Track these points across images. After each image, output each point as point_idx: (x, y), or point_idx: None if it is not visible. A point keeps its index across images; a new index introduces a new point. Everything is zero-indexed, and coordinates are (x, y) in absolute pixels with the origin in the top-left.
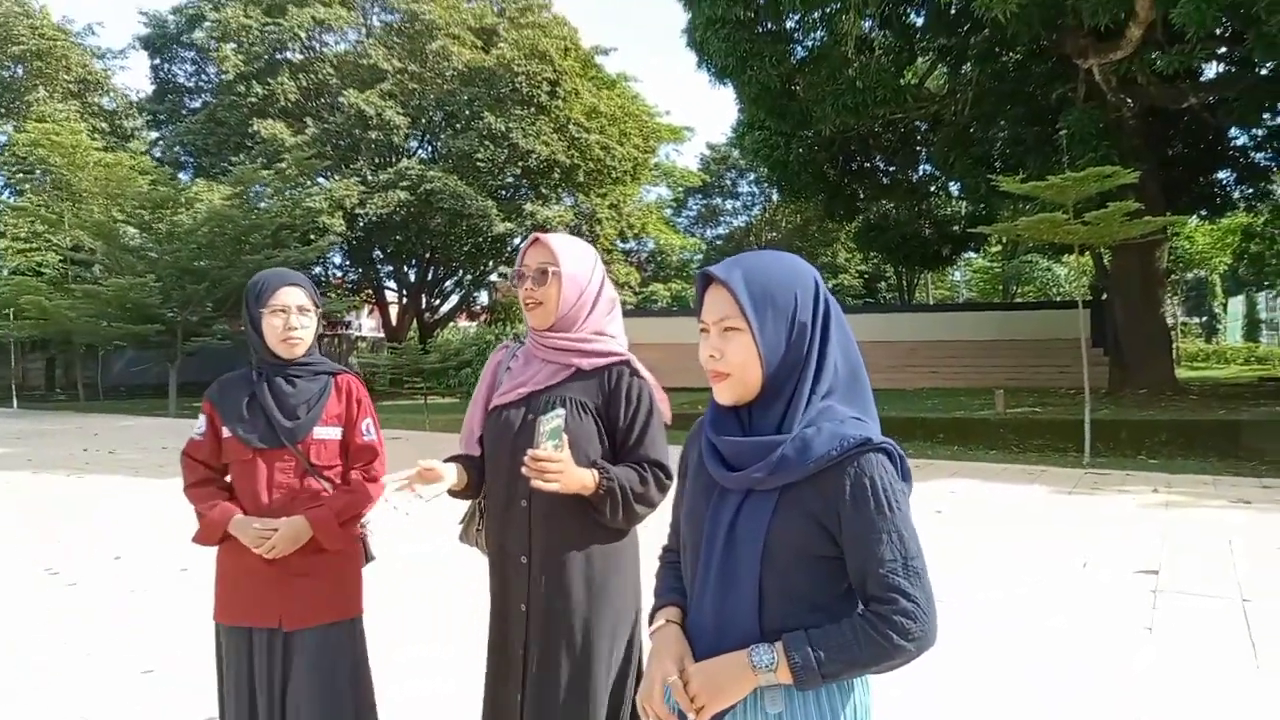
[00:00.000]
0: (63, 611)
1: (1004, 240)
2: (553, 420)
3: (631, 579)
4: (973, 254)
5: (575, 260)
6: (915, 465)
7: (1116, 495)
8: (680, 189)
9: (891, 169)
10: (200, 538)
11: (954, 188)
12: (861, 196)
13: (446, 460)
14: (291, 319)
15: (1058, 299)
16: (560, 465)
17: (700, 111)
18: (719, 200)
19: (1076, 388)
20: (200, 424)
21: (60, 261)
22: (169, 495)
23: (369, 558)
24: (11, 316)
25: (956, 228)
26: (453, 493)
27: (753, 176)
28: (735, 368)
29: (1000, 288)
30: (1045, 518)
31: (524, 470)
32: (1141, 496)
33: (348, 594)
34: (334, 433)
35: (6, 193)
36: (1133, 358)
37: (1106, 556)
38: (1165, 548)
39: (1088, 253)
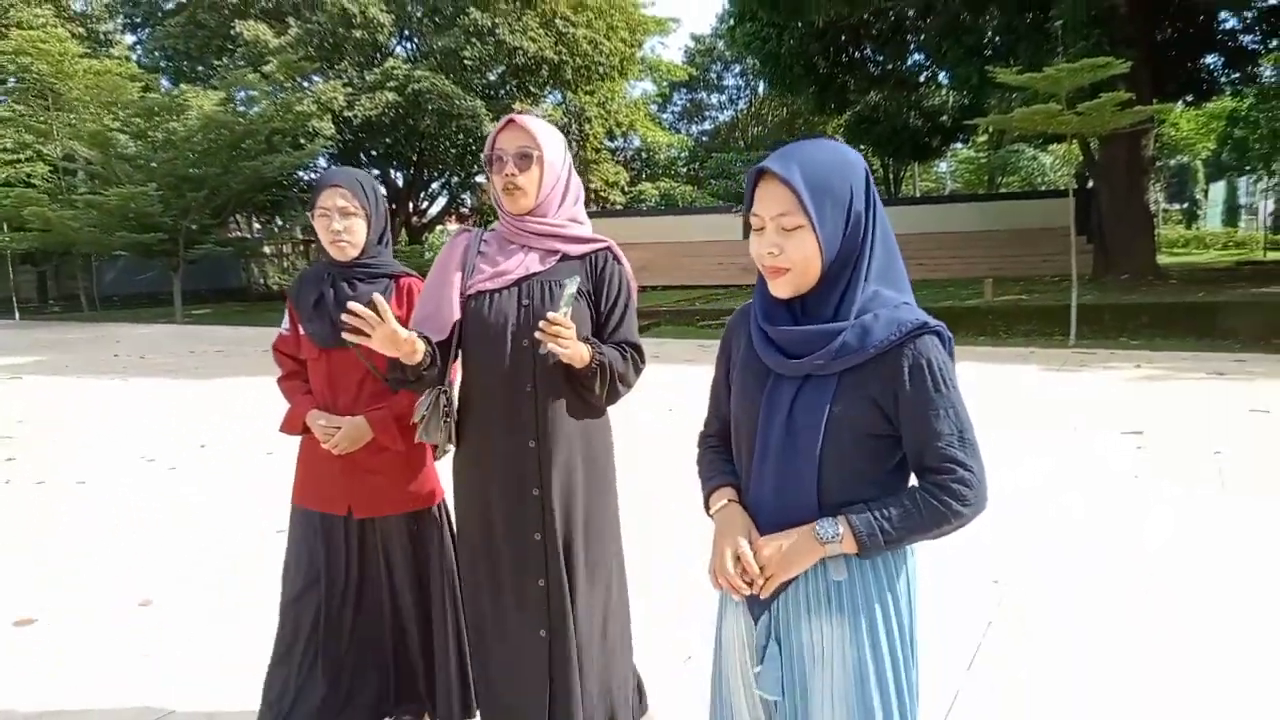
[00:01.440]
0: (171, 488)
1: (991, 131)
2: (570, 286)
3: (611, 452)
4: (960, 145)
5: (554, 144)
6: None
7: (1102, 371)
8: (665, 84)
9: (881, 59)
10: (284, 427)
11: (944, 78)
12: (852, 89)
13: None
14: (334, 222)
15: (1043, 188)
16: (572, 331)
17: (684, 1)
18: (704, 95)
19: (1061, 275)
20: (285, 320)
21: (50, 172)
22: (213, 393)
23: (444, 449)
24: (4, 228)
25: (945, 118)
26: (400, 370)
27: (739, 69)
28: (797, 263)
29: (986, 178)
30: (1037, 391)
31: (537, 334)
32: (1125, 372)
33: (418, 486)
34: None
35: None
36: (1116, 244)
37: (1095, 421)
38: (1147, 412)
39: (1075, 141)
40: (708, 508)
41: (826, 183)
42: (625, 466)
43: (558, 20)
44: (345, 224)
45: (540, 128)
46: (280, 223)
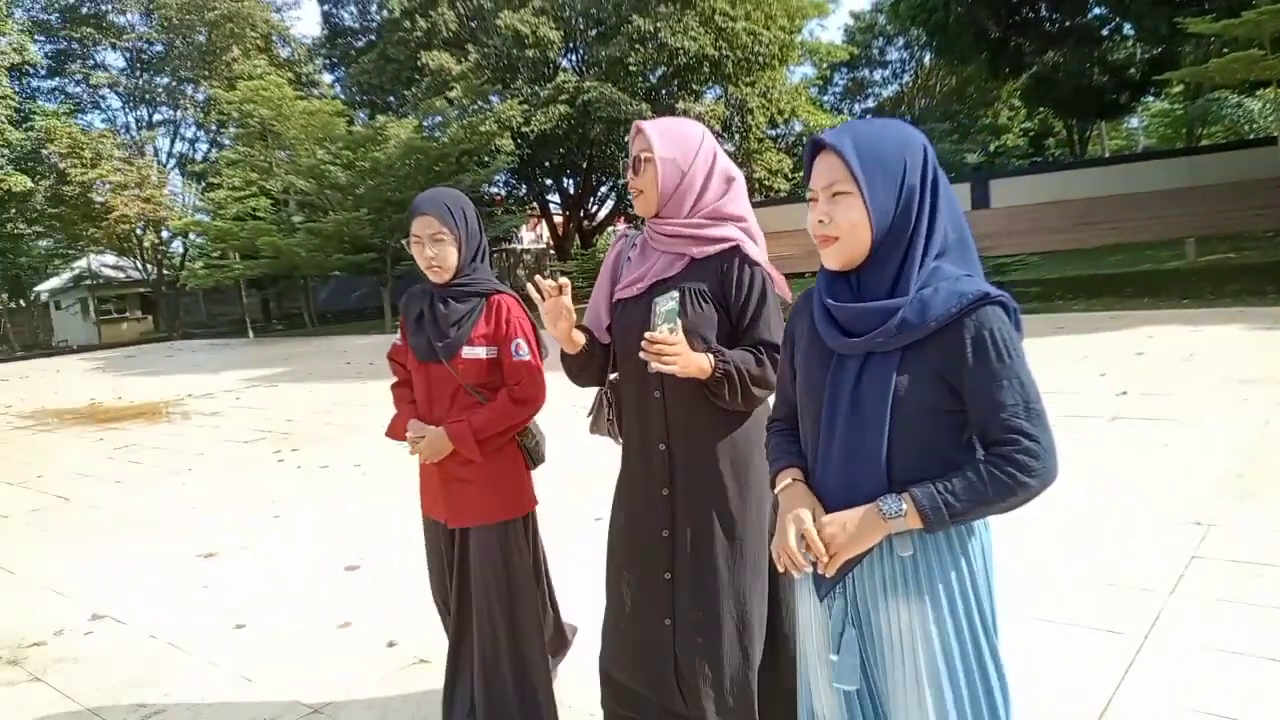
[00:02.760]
0: None
1: (1187, 82)
2: (667, 303)
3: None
4: (1152, 99)
5: (673, 143)
6: (1109, 316)
7: None
8: (826, 66)
9: (1058, 16)
10: (388, 432)
11: (1129, 30)
12: (1027, 50)
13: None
14: (426, 249)
15: (1250, 137)
16: (676, 347)
17: None
18: (867, 72)
19: (1274, 229)
20: (399, 331)
21: (271, 205)
22: None
23: (534, 462)
24: (237, 257)
25: (1133, 72)
26: (572, 360)
27: (902, 42)
28: (844, 230)
29: (1184, 131)
30: (1247, 347)
31: (641, 354)
32: None
33: (505, 497)
34: (481, 352)
35: (212, 147)
36: None
37: None
38: None
39: None
40: (773, 487)
41: (878, 153)
42: None
43: (716, 17)
44: (436, 250)
45: (658, 129)
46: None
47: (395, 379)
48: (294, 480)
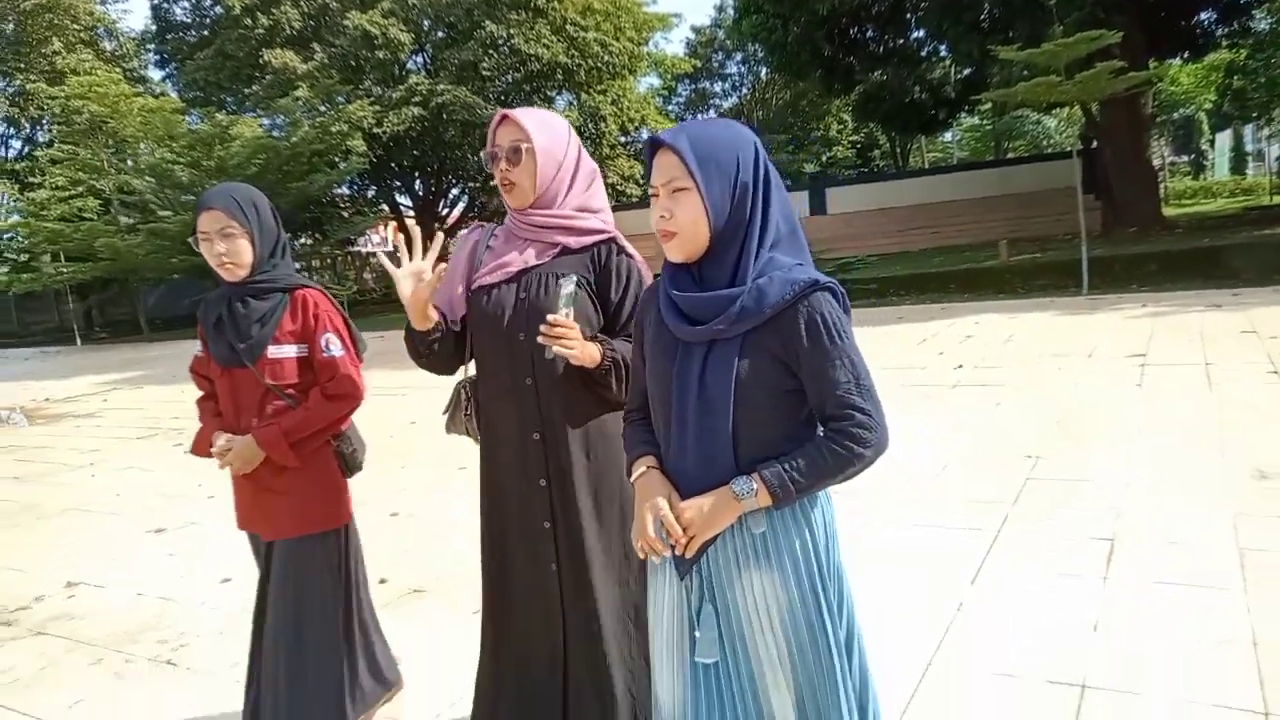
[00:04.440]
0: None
1: (997, 100)
2: (568, 285)
3: (619, 435)
4: (966, 115)
5: (548, 134)
6: (939, 308)
7: (1111, 312)
8: (670, 77)
9: (884, 38)
10: (193, 448)
11: (945, 52)
12: (857, 69)
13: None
14: (216, 245)
15: (1049, 151)
16: (576, 332)
17: None
18: (707, 83)
19: (1071, 233)
20: (199, 342)
21: (101, 205)
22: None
23: (350, 470)
24: (60, 258)
25: (949, 90)
26: (421, 337)
27: (740, 57)
28: (684, 225)
29: (993, 144)
30: (1055, 329)
31: (540, 338)
32: (1132, 310)
33: (322, 507)
34: (290, 350)
35: (25, 144)
36: (1123, 200)
37: (1105, 348)
38: (1151, 340)
39: (1077, 104)
40: (629, 476)
41: (712, 152)
42: None
43: (568, 26)
44: (226, 246)
45: (533, 119)
46: (324, 237)
47: (199, 393)
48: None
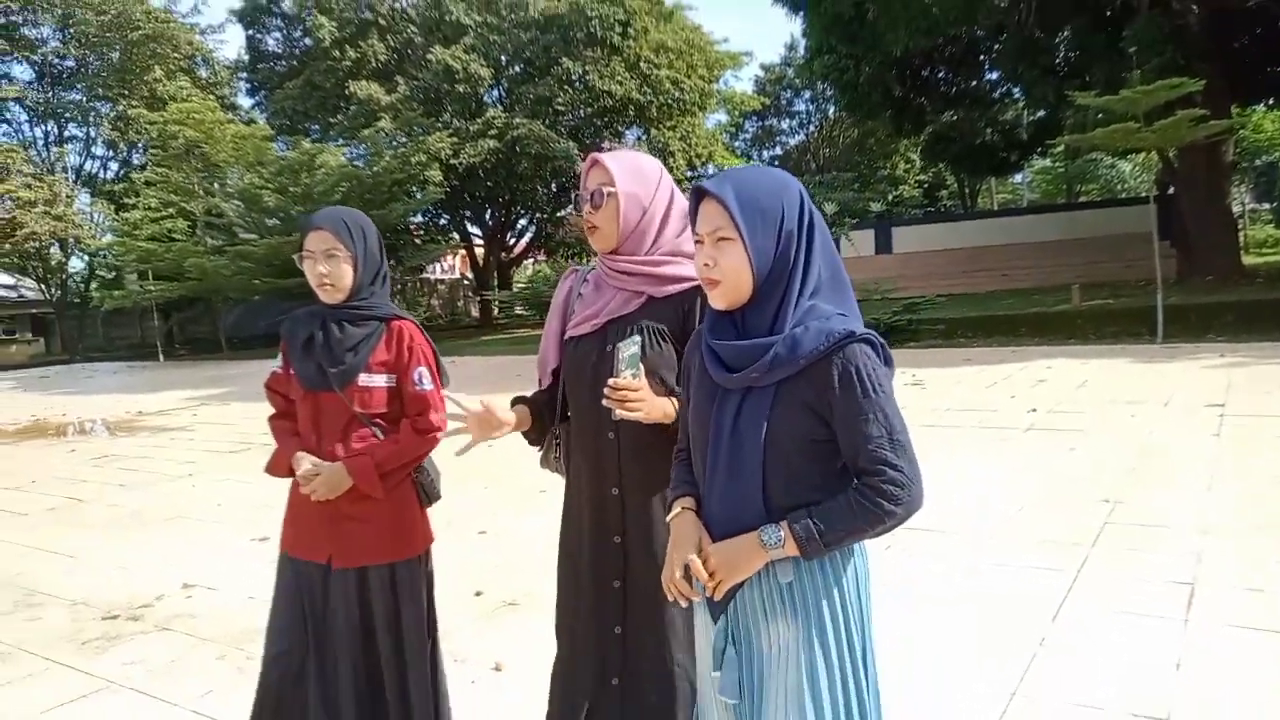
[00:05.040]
0: None
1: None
2: (629, 348)
3: None
4: (1037, 158)
5: (635, 178)
6: (1010, 350)
7: (1188, 360)
8: (739, 114)
9: (956, 80)
10: (269, 468)
11: (1019, 94)
12: (928, 110)
13: (514, 402)
14: (318, 265)
15: (1122, 195)
16: (641, 393)
17: (747, 27)
18: (775, 120)
19: (1145, 280)
20: (279, 358)
21: (189, 226)
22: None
23: (429, 500)
24: (149, 276)
25: (1021, 133)
26: (525, 434)
27: (809, 94)
28: (728, 274)
29: (1064, 187)
30: (1129, 376)
31: (604, 401)
32: (1209, 360)
33: (401, 536)
34: (380, 380)
35: (123, 167)
36: (1200, 247)
37: (1181, 397)
38: (1228, 390)
39: (1154, 150)
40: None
41: (757, 201)
42: None
43: (642, 63)
44: (329, 267)
45: (619, 163)
46: (400, 264)
47: (274, 410)
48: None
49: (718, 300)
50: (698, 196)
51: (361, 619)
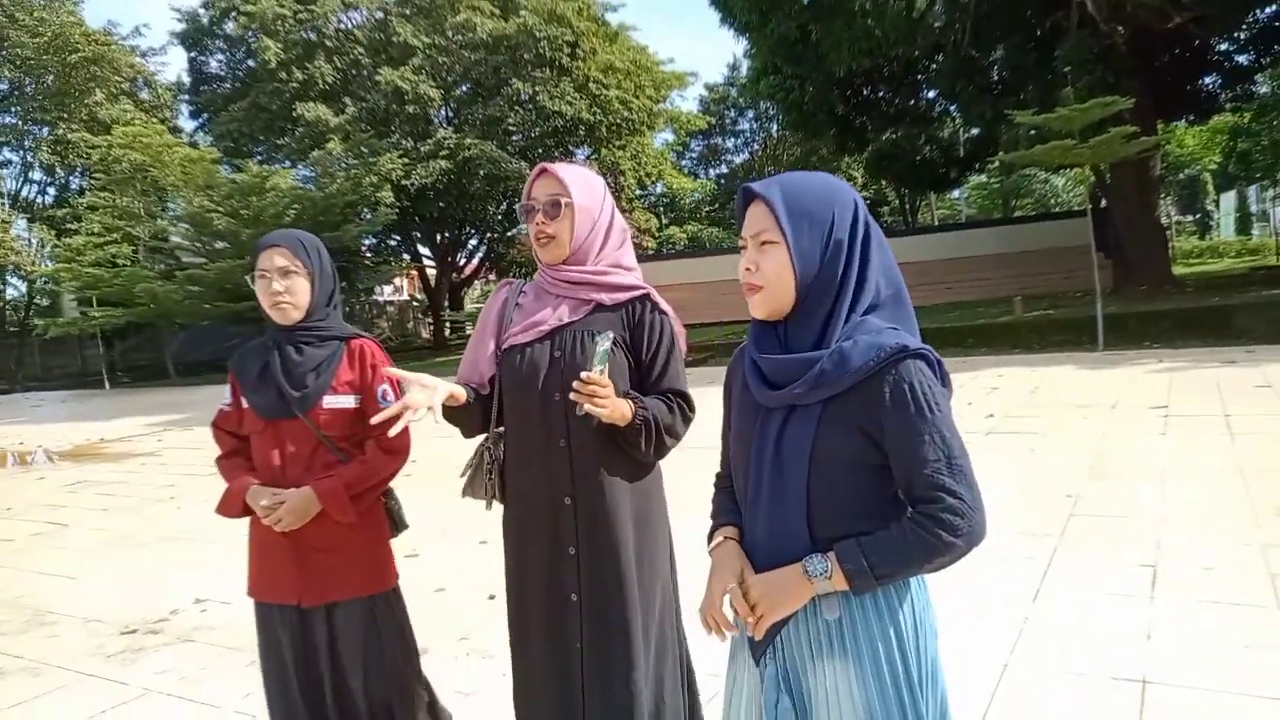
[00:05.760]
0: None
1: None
2: (602, 343)
3: (664, 511)
4: (974, 174)
5: (586, 190)
6: (961, 361)
7: (1130, 367)
8: (685, 133)
9: (896, 99)
10: (221, 509)
11: (957, 111)
12: (870, 128)
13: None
14: (274, 283)
15: (1056, 209)
16: (609, 390)
17: (693, 45)
18: (720, 139)
19: (1083, 290)
20: (227, 394)
21: (133, 251)
22: None
23: (397, 528)
24: (94, 304)
25: (959, 150)
26: (450, 411)
27: (752, 114)
28: (770, 280)
29: (1000, 202)
30: (1077, 382)
31: (572, 395)
32: (1149, 365)
33: (373, 568)
34: (346, 401)
35: (61, 192)
36: (1133, 258)
37: (1128, 400)
38: (1170, 392)
39: (1087, 166)
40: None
41: (805, 206)
42: (680, 508)
43: (590, 84)
44: (286, 284)
45: (572, 174)
46: (352, 286)
47: (220, 450)
48: None
49: (758, 308)
50: (746, 198)
51: (332, 662)
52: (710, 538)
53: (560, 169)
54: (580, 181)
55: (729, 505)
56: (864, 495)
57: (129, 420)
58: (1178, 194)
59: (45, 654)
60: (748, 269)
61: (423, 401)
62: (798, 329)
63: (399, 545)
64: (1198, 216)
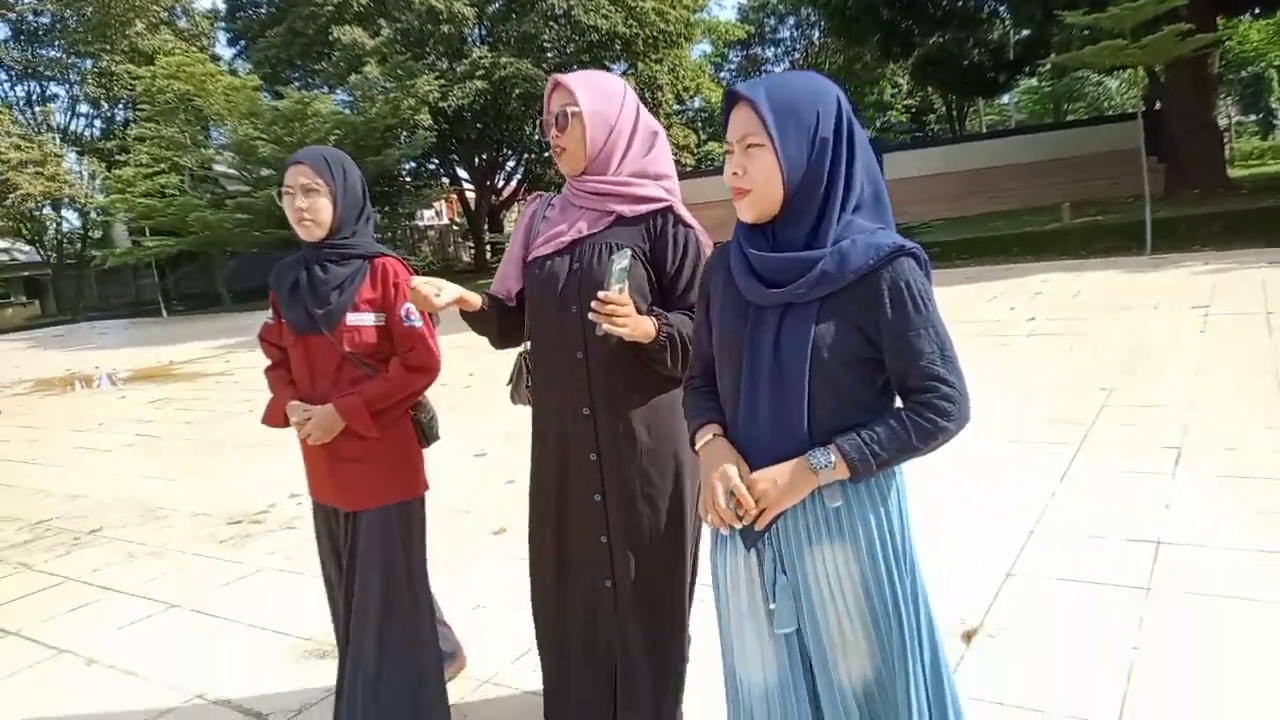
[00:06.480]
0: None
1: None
2: (620, 261)
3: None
4: (1025, 77)
5: (599, 96)
6: (1005, 268)
7: (1175, 269)
8: (723, 44)
9: (942, 1)
10: (265, 419)
11: (1005, 13)
12: (916, 32)
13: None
14: (298, 200)
15: (1109, 113)
16: (629, 308)
17: None
18: (759, 49)
19: (1133, 195)
20: (270, 308)
21: (180, 181)
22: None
23: (428, 440)
24: (147, 233)
25: (1008, 52)
26: (470, 318)
27: (793, 20)
28: (757, 183)
29: (1051, 106)
30: (1121, 285)
31: (591, 315)
32: (1195, 267)
33: (400, 477)
34: (368, 319)
35: (108, 124)
36: (1187, 161)
37: (1170, 301)
38: (1213, 293)
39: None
40: (693, 445)
41: (790, 105)
42: None
43: None
44: (308, 202)
45: (580, 81)
46: (395, 210)
47: (269, 361)
48: None
49: (746, 211)
50: (730, 101)
51: (377, 563)
52: (693, 436)
53: (570, 78)
54: (590, 87)
55: (708, 404)
56: (857, 388)
57: (193, 344)
58: (1239, 93)
59: (165, 541)
60: (735, 173)
61: (429, 293)
62: (787, 229)
63: (469, 444)
64: (1260, 116)
